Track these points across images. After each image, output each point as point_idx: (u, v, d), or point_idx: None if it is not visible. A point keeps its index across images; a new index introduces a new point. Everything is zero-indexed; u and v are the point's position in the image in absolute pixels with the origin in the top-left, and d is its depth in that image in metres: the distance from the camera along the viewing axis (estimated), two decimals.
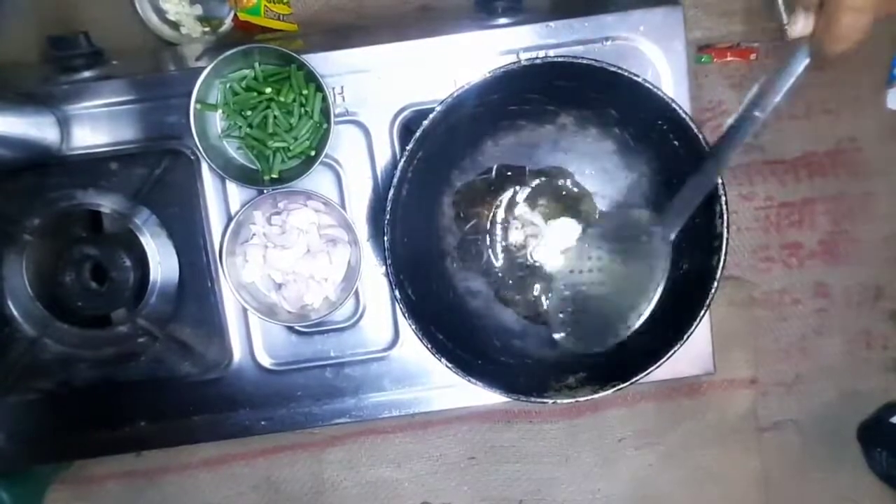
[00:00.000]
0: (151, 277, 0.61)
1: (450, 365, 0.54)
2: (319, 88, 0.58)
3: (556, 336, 0.58)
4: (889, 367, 0.79)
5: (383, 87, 0.60)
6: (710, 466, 0.78)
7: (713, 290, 0.53)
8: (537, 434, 0.78)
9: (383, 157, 0.61)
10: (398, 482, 0.78)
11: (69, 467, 0.76)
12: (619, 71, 0.52)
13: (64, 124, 0.60)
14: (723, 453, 0.78)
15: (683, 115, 0.52)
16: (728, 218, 0.53)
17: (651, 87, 0.52)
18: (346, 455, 0.78)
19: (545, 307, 0.62)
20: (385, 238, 0.54)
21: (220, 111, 0.60)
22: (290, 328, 0.62)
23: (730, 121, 0.49)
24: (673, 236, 0.53)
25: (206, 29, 0.73)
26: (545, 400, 0.54)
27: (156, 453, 0.75)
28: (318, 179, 0.61)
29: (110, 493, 0.78)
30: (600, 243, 0.58)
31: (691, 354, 0.61)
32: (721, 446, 0.78)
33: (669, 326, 0.54)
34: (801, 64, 0.45)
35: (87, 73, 0.62)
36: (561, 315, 0.58)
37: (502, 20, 0.61)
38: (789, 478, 0.80)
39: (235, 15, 0.70)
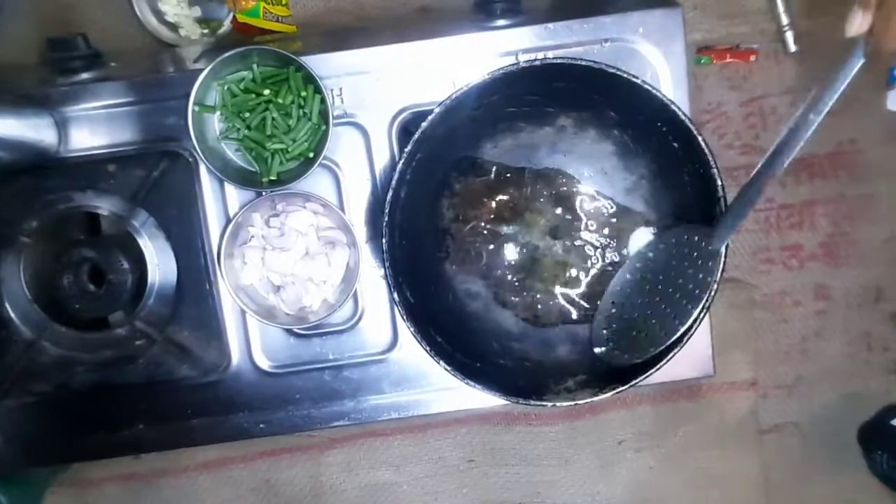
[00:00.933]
0: (149, 280, 0.61)
1: (448, 368, 0.54)
2: (318, 90, 0.58)
3: (598, 350, 0.58)
4: (890, 369, 0.79)
5: (382, 88, 0.60)
6: (710, 469, 0.78)
7: (713, 293, 0.52)
8: (537, 437, 0.78)
9: (382, 159, 0.61)
10: (397, 485, 0.78)
11: (67, 470, 0.76)
12: (619, 72, 0.52)
13: (62, 126, 0.59)
14: (723, 456, 0.78)
15: (683, 117, 0.52)
16: None
17: (650, 88, 0.52)
18: (345, 458, 0.78)
19: (593, 324, 0.61)
20: (384, 240, 0.54)
21: (218, 113, 0.59)
22: (289, 330, 0.62)
23: (789, 125, 0.48)
24: (723, 247, 0.52)
25: (205, 31, 0.72)
26: (544, 403, 0.54)
27: (154, 456, 0.75)
28: (316, 181, 0.61)
29: (108, 495, 0.77)
30: (651, 259, 0.58)
31: (691, 357, 0.61)
32: (721, 449, 0.78)
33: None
34: (857, 64, 0.43)
35: (85, 75, 0.62)
36: (605, 331, 0.58)
37: (501, 22, 0.61)
38: (790, 480, 0.80)
39: (234, 17, 0.70)
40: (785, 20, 0.73)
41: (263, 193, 0.59)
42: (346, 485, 0.78)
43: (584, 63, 0.52)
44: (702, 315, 0.53)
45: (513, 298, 0.63)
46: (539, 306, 0.63)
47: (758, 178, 0.49)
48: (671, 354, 0.53)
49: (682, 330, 0.53)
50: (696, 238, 0.54)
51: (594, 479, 0.78)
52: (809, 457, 0.79)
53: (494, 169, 0.63)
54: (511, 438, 0.78)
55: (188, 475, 0.77)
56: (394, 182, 0.53)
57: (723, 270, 0.53)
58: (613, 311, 0.59)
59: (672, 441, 0.78)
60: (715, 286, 0.52)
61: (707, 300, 0.52)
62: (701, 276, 0.53)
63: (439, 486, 0.78)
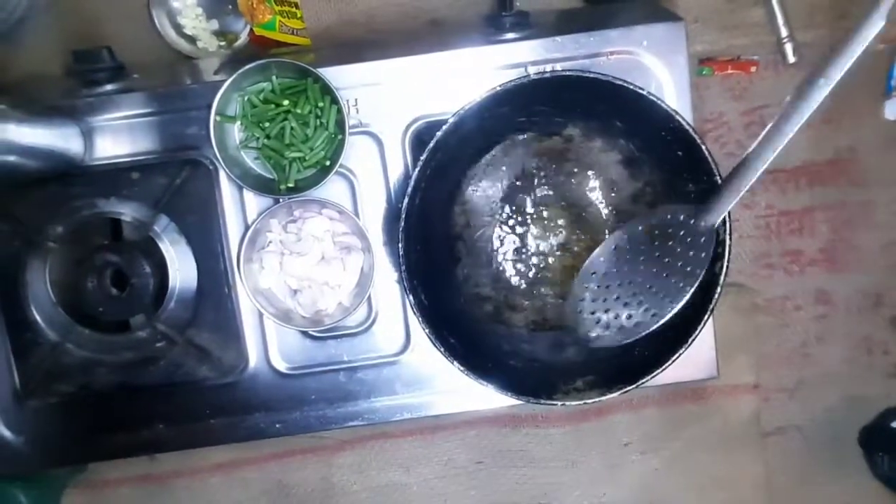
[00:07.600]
0: (170, 284, 0.63)
1: (462, 368, 0.55)
2: (335, 101, 0.59)
3: (592, 334, 0.55)
4: (890, 373, 0.79)
5: (395, 99, 0.61)
6: (714, 471, 0.79)
7: (717, 296, 0.54)
8: (544, 438, 0.79)
9: (396, 167, 0.62)
10: (407, 486, 0.79)
11: (84, 471, 0.77)
12: (624, 84, 0.53)
13: (87, 136, 0.61)
14: (727, 458, 0.78)
15: (686, 127, 0.53)
16: (731, 225, 0.54)
17: (655, 99, 0.53)
18: (356, 459, 0.78)
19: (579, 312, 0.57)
20: (399, 245, 0.55)
21: (238, 123, 0.61)
22: (305, 333, 0.63)
23: (789, 96, 0.45)
24: (718, 222, 0.52)
25: (222, 43, 0.74)
26: (554, 402, 0.55)
27: (169, 458, 0.76)
28: (332, 188, 0.62)
29: (123, 497, 0.78)
30: (637, 247, 0.55)
31: (696, 359, 0.62)
32: (725, 451, 0.78)
33: (675, 331, 0.56)
34: (875, 27, 0.40)
35: (109, 87, 0.63)
36: (588, 314, 0.56)
37: (510, 35, 0.62)
38: (793, 482, 0.80)
39: (251, 30, 0.71)
40: (784, 32, 0.74)
41: (281, 200, 0.61)
42: (357, 486, 0.79)
43: (591, 75, 0.54)
44: (706, 318, 0.54)
45: (523, 302, 0.65)
46: (548, 309, 0.65)
47: (762, 148, 0.48)
48: (677, 355, 0.54)
49: (676, 308, 0.52)
50: (683, 217, 0.53)
51: (600, 480, 0.79)
52: (812, 459, 0.80)
53: (505, 177, 0.64)
54: (519, 440, 0.79)
55: (202, 477, 0.78)
56: (409, 189, 0.55)
57: (728, 260, 0.52)
58: (588, 294, 0.56)
59: (676, 443, 0.78)
60: (708, 260, 0.51)
61: (698, 278, 0.52)
62: (693, 253, 0.52)
63: (448, 488, 0.79)
